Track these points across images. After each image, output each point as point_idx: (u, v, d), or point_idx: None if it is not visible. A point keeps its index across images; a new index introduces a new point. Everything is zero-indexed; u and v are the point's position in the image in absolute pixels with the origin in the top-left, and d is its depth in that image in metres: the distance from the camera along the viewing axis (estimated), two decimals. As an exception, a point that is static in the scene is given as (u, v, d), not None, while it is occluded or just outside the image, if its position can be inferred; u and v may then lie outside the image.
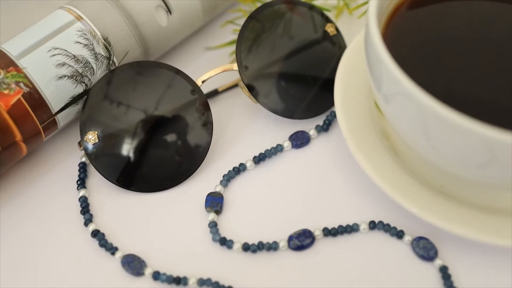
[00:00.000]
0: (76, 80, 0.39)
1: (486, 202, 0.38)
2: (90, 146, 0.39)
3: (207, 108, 0.40)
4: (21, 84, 0.37)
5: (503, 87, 0.36)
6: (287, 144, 0.41)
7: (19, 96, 0.37)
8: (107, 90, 0.39)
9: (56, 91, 0.38)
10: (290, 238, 0.38)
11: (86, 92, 0.40)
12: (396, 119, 0.37)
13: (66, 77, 0.39)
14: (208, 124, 0.40)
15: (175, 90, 0.40)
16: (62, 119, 0.40)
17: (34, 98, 0.38)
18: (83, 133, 0.39)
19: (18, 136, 0.38)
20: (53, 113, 0.39)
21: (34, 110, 0.38)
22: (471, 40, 0.38)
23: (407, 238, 0.38)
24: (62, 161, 0.41)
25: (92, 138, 0.39)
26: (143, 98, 0.40)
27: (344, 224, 0.38)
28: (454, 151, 0.34)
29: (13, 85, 0.37)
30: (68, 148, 0.42)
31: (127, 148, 0.39)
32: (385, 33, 0.38)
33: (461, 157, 0.34)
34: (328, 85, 0.42)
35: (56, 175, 0.41)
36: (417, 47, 0.38)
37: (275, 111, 0.42)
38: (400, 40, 0.38)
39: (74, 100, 0.39)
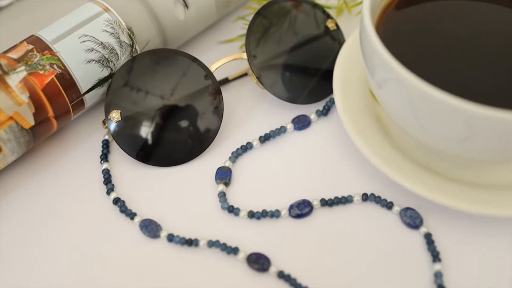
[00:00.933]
0: (103, 64, 0.44)
1: (467, 177, 0.42)
2: (113, 124, 0.44)
3: (219, 92, 0.45)
4: (55, 66, 0.42)
5: (483, 70, 0.41)
6: (290, 126, 0.46)
7: (53, 76, 0.42)
8: (129, 74, 0.44)
9: (85, 74, 0.43)
10: (291, 207, 0.42)
11: (111, 76, 0.44)
12: (388, 103, 0.41)
13: (94, 61, 0.43)
14: (219, 107, 0.45)
15: (190, 75, 0.45)
16: (89, 99, 0.44)
17: (66, 78, 0.43)
18: (107, 111, 0.44)
19: (50, 112, 0.42)
20: (82, 93, 0.43)
21: (65, 89, 0.43)
22: (453, 32, 0.43)
23: (396, 208, 0.42)
24: (88, 138, 0.46)
25: (115, 116, 0.44)
26: (162, 82, 0.44)
27: (339, 196, 0.43)
28: (439, 127, 0.38)
29: (47, 67, 0.42)
30: (93, 127, 0.46)
31: (146, 127, 0.44)
32: (378, 27, 0.43)
33: (445, 133, 0.39)
34: (328, 75, 0.47)
35: (82, 150, 0.45)
36: (406, 39, 0.43)
37: (280, 97, 0.46)
38: (391, 32, 0.43)
39: (100, 82, 0.44)
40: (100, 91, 0.45)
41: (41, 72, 0.42)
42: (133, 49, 0.45)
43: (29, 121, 0.41)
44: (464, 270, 0.39)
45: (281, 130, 0.46)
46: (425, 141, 0.41)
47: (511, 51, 0.42)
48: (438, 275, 0.39)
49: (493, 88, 0.40)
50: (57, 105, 0.42)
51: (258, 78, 0.46)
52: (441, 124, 0.38)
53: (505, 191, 0.41)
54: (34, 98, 0.41)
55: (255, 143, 0.45)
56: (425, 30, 0.43)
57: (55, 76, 0.42)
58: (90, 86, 0.44)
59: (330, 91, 0.47)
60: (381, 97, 0.42)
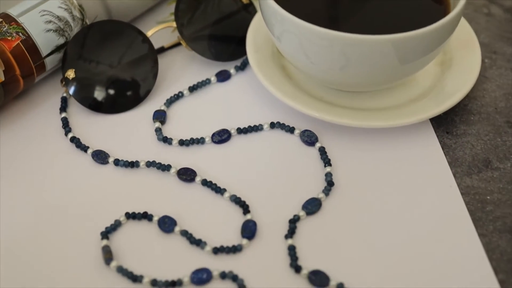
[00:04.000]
0: (59, 33, 0.54)
1: (353, 104, 0.53)
2: (69, 80, 0.54)
3: (154, 53, 0.55)
4: (20, 34, 0.53)
5: (362, 16, 0.52)
6: (213, 78, 0.57)
7: (18, 41, 0.53)
8: (81, 41, 0.55)
9: (45, 40, 0.54)
10: (213, 135, 0.52)
11: (66, 43, 0.55)
12: (287, 51, 0.52)
13: (52, 31, 0.54)
14: (155, 66, 0.55)
15: (130, 40, 0.55)
16: (49, 63, 0.55)
17: (29, 44, 0.53)
18: (64, 71, 0.54)
19: (18, 71, 0.53)
20: (43, 56, 0.54)
21: (29, 52, 0.53)
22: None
23: (297, 131, 0.52)
24: (49, 97, 0.56)
25: (70, 74, 0.54)
26: (108, 47, 0.55)
27: (252, 125, 0.53)
28: (323, 60, 0.49)
29: (14, 34, 0.53)
30: (53, 89, 0.57)
31: (96, 82, 0.54)
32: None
33: (329, 64, 0.49)
34: (244, 39, 0.58)
35: (44, 106, 0.55)
36: (298, 2, 0.54)
37: (205, 56, 0.57)
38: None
39: (58, 49, 0.55)
40: (58, 56, 0.55)
41: (9, 38, 0.52)
42: (84, 22, 0.56)
43: (0, 77, 0.52)
44: (349, 170, 0.50)
45: (206, 82, 0.56)
46: (317, 75, 0.52)
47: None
48: (328, 175, 0.49)
49: (367, 28, 0.51)
50: (23, 65, 0.53)
51: (186, 42, 0.56)
52: (324, 57, 0.49)
53: (380, 111, 0.52)
54: (3, 58, 0.52)
55: (185, 92, 0.56)
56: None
57: (21, 41, 0.53)
58: (49, 51, 0.54)
59: (245, 51, 0.58)
60: (282, 49, 0.53)
